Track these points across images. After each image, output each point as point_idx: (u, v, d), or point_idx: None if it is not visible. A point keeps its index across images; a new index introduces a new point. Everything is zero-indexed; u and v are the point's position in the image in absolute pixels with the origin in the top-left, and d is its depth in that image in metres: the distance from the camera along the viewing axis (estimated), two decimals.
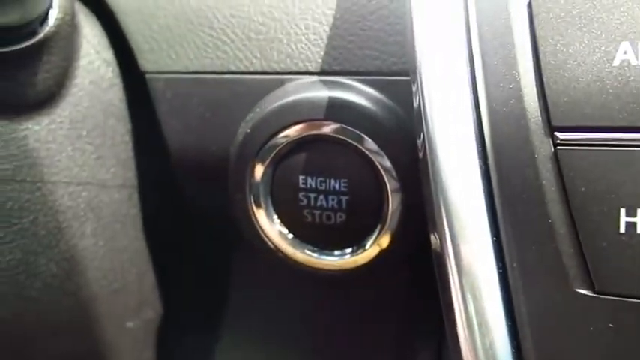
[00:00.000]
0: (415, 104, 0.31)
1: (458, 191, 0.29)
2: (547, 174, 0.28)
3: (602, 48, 0.27)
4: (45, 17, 0.37)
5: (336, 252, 0.42)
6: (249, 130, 0.41)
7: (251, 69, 0.42)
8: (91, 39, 0.43)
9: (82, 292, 0.42)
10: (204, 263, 0.59)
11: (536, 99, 0.28)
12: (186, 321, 0.57)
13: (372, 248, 0.41)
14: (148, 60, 0.44)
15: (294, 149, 0.40)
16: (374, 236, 0.41)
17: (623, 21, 0.27)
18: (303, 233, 0.42)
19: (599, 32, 0.27)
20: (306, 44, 0.41)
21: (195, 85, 0.43)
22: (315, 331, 0.55)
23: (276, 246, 0.43)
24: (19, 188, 0.38)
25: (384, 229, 0.40)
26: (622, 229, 0.27)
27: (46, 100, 0.39)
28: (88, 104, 0.42)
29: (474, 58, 0.29)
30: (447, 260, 0.30)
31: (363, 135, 0.39)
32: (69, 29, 0.39)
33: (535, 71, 0.28)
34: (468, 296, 0.29)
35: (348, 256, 0.42)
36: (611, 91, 0.27)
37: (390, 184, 0.39)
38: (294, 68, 0.41)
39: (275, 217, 0.42)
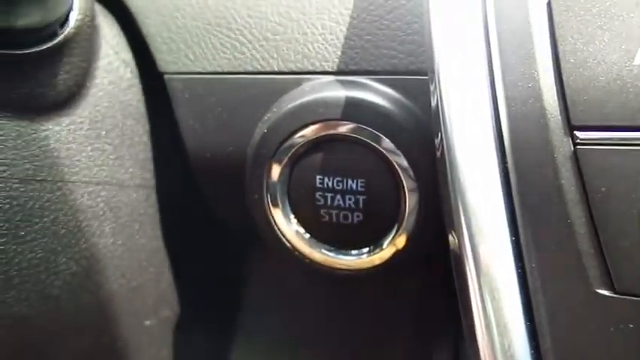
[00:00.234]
0: (433, 103, 0.31)
1: (476, 191, 0.29)
2: (567, 173, 0.27)
3: (623, 46, 0.27)
4: (65, 19, 0.38)
5: (353, 252, 0.42)
6: (266, 130, 0.41)
7: (268, 69, 0.42)
8: (110, 40, 0.43)
9: (101, 291, 0.42)
10: (221, 263, 0.59)
11: (556, 98, 0.28)
12: (202, 320, 0.57)
13: (388, 248, 0.41)
14: (167, 61, 0.44)
15: (311, 149, 0.40)
16: (391, 236, 0.41)
17: None
18: (320, 233, 0.42)
19: (619, 31, 0.27)
20: (322, 44, 0.41)
21: (213, 85, 0.43)
22: (332, 330, 0.55)
23: (293, 245, 0.43)
24: (39, 188, 0.38)
25: (401, 228, 0.40)
26: None
27: (66, 100, 0.39)
28: (107, 105, 0.42)
29: (493, 57, 0.29)
30: (465, 260, 0.30)
31: (380, 134, 0.39)
32: (89, 30, 0.39)
33: (554, 70, 0.28)
34: (487, 296, 0.29)
35: (364, 255, 0.42)
36: (631, 89, 0.26)
37: (407, 183, 0.39)
38: (311, 68, 0.41)
39: (292, 216, 0.42)
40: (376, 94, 0.39)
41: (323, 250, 0.43)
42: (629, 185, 0.26)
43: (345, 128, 0.39)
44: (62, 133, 0.39)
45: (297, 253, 0.43)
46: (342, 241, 0.42)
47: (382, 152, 0.39)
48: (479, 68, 0.29)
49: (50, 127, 0.39)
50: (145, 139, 0.46)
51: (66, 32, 0.38)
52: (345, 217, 0.40)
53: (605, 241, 0.27)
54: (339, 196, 0.40)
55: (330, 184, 0.40)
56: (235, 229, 0.53)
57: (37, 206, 0.38)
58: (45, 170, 0.38)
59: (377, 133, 0.39)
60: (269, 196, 0.42)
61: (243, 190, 0.43)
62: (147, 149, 0.46)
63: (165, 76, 0.44)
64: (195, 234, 0.55)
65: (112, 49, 0.43)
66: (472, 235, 0.29)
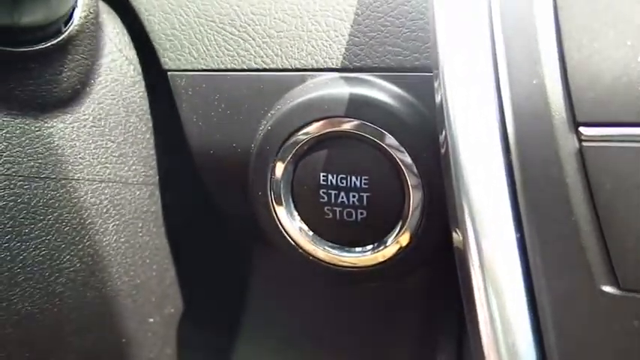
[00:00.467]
0: (437, 100, 0.31)
1: (481, 187, 0.29)
2: (571, 170, 0.27)
3: (628, 43, 0.27)
4: (69, 17, 0.38)
5: (357, 249, 0.42)
6: (270, 127, 0.41)
7: (272, 66, 0.42)
8: (114, 37, 0.43)
9: (105, 288, 0.43)
10: (224, 260, 0.59)
11: (561, 94, 0.28)
12: (206, 317, 0.57)
13: (392, 245, 0.41)
14: (170, 58, 0.44)
15: (314, 146, 0.40)
16: (394, 233, 0.41)
17: None
18: (324, 230, 0.42)
19: (624, 27, 0.27)
20: (327, 41, 0.41)
21: (217, 82, 0.43)
22: (335, 328, 0.55)
23: (296, 243, 0.43)
24: (43, 185, 0.38)
25: (405, 226, 0.40)
26: None
27: (70, 98, 0.40)
28: (111, 102, 0.42)
29: (498, 54, 0.29)
30: (470, 257, 0.30)
31: (384, 131, 0.38)
32: (93, 28, 0.39)
33: (559, 67, 0.28)
34: (491, 293, 0.29)
35: (368, 253, 0.42)
36: (636, 86, 0.26)
37: (411, 180, 0.39)
38: (315, 65, 0.41)
39: (295, 214, 0.42)
40: (380, 91, 0.39)
41: (326, 248, 0.43)
42: (634, 182, 0.26)
43: (349, 125, 0.39)
44: (66, 130, 0.39)
45: (300, 250, 0.43)
46: (345, 239, 0.42)
47: (386, 149, 0.39)
48: (484, 65, 0.29)
49: (54, 124, 0.39)
50: (149, 136, 0.46)
51: (70, 30, 0.38)
52: (349, 215, 0.40)
53: (610, 237, 0.27)
54: (342, 194, 0.40)
55: (333, 182, 0.40)
56: (239, 226, 0.53)
57: (40, 204, 0.38)
58: (49, 168, 0.39)
59: (381, 130, 0.38)
60: (273, 193, 0.42)
61: (247, 187, 0.43)
62: (150, 146, 0.46)
63: (169, 74, 0.44)
64: (198, 231, 0.55)
65: (115, 46, 0.43)
66: (476, 232, 0.29)
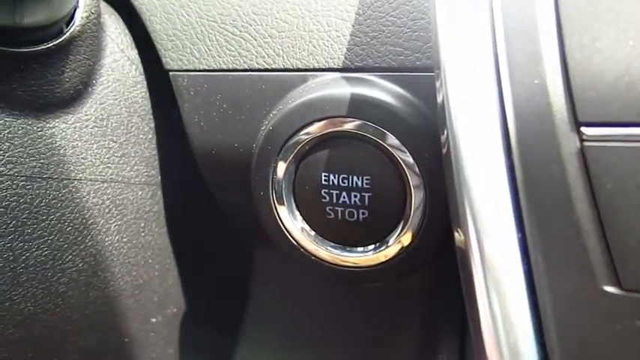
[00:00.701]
0: (439, 100, 0.31)
1: (482, 187, 0.29)
2: (573, 170, 0.27)
3: (629, 42, 0.27)
4: (71, 17, 0.38)
5: (359, 249, 0.42)
6: (271, 127, 0.41)
7: (274, 66, 0.42)
8: (116, 38, 0.43)
9: (107, 288, 0.43)
10: (226, 260, 0.59)
11: (562, 94, 0.28)
12: (208, 317, 0.57)
13: (394, 245, 0.41)
14: (172, 58, 0.44)
15: (316, 146, 0.40)
16: (396, 233, 0.41)
17: None
18: (326, 230, 0.42)
19: (625, 27, 0.27)
20: (328, 41, 0.41)
21: (219, 82, 0.43)
22: (337, 328, 0.55)
23: (298, 243, 0.43)
24: (45, 185, 0.38)
25: (407, 225, 0.40)
26: None
27: (73, 98, 0.40)
28: (113, 102, 0.42)
29: (499, 54, 0.29)
30: (471, 257, 0.29)
31: (386, 131, 0.38)
32: (94, 28, 0.40)
33: (561, 66, 0.28)
34: (493, 293, 0.29)
35: (370, 253, 0.42)
36: (637, 85, 0.26)
37: (412, 179, 0.39)
38: (317, 65, 0.41)
39: (297, 213, 0.43)
40: (382, 90, 0.39)
41: (328, 248, 0.43)
42: (635, 181, 0.26)
43: (350, 125, 0.39)
44: (68, 130, 0.39)
45: (302, 250, 0.43)
46: (347, 239, 0.42)
47: (388, 149, 0.39)
48: (485, 65, 0.29)
49: (56, 124, 0.39)
50: (151, 136, 0.46)
51: (72, 30, 0.38)
52: (351, 215, 0.40)
53: (612, 237, 0.27)
54: (344, 193, 0.40)
55: (335, 182, 0.40)
56: (241, 226, 0.53)
57: (43, 204, 0.38)
58: (51, 168, 0.39)
59: (382, 129, 0.39)
60: (274, 193, 0.42)
61: (249, 187, 0.43)
62: (152, 146, 0.46)
63: (171, 74, 0.44)
64: (200, 231, 0.55)
65: (117, 46, 0.43)
66: (478, 232, 0.29)
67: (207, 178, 0.47)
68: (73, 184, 0.40)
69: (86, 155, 0.41)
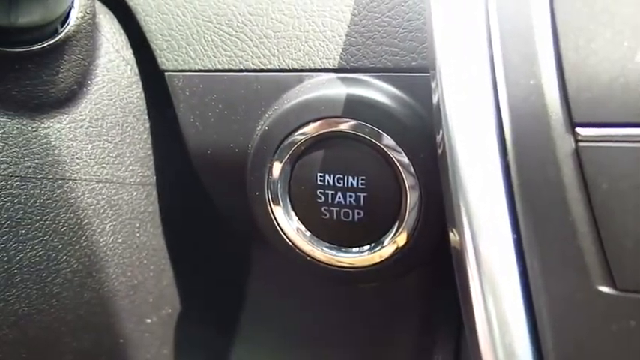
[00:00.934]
0: (434, 100, 0.31)
1: (478, 188, 0.29)
2: (568, 170, 0.27)
3: (625, 44, 0.27)
4: (66, 17, 0.38)
5: (354, 249, 0.42)
6: (267, 128, 0.41)
7: (269, 66, 0.42)
8: (111, 38, 0.43)
9: (102, 288, 0.43)
10: (221, 260, 0.59)
11: (558, 95, 0.28)
12: (203, 317, 0.57)
13: (389, 246, 0.41)
14: (168, 58, 0.44)
15: (311, 146, 0.40)
16: (392, 233, 0.41)
17: None
18: (321, 230, 0.42)
19: (621, 28, 0.27)
20: (324, 41, 0.41)
21: (214, 83, 0.43)
22: (333, 328, 0.55)
23: (293, 243, 0.43)
24: (40, 186, 0.38)
25: (402, 226, 0.40)
26: None
27: (68, 98, 0.39)
28: (108, 102, 0.42)
29: (495, 54, 0.29)
30: (467, 257, 0.30)
31: (381, 132, 0.39)
32: (89, 28, 0.39)
33: (556, 67, 0.28)
34: (488, 294, 0.29)
35: (365, 253, 0.42)
36: (632, 86, 0.26)
37: (408, 180, 0.39)
38: (312, 65, 0.41)
39: (293, 214, 0.42)
40: (377, 91, 0.39)
41: (324, 248, 0.43)
42: (630, 182, 0.26)
43: (346, 125, 0.39)
44: (63, 131, 0.39)
45: (297, 250, 0.43)
46: (342, 239, 0.42)
47: (383, 149, 0.39)
48: (481, 65, 0.29)
49: (51, 124, 0.39)
50: (146, 136, 0.46)
51: (67, 30, 0.38)
52: (346, 215, 0.40)
53: (607, 238, 0.27)
54: (339, 194, 0.40)
55: (330, 182, 0.40)
56: (237, 226, 0.53)
57: (37, 204, 0.38)
58: (46, 168, 0.38)
59: (378, 130, 0.39)
60: (270, 193, 0.42)
61: (245, 187, 0.43)
62: (147, 147, 0.46)
63: (166, 74, 0.44)
64: (196, 232, 0.55)
65: (112, 46, 0.43)
66: (473, 233, 0.29)
67: (202, 178, 0.47)
68: (67, 185, 0.40)
69: (81, 155, 0.40)
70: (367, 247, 0.42)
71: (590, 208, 0.27)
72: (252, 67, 0.42)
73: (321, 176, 0.40)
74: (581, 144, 0.27)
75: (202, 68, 0.43)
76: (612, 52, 0.27)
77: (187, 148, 0.45)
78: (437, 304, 0.51)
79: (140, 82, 0.45)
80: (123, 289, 0.44)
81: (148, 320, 0.48)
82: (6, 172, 0.37)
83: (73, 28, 0.38)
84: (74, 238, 0.40)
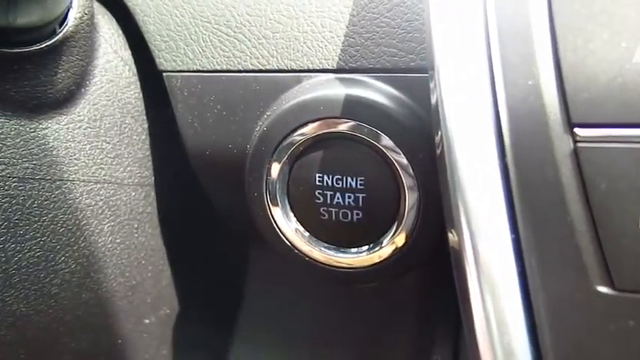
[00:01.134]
0: (433, 101, 0.31)
1: (476, 188, 0.29)
2: (567, 171, 0.27)
3: (622, 44, 0.27)
4: (64, 17, 0.38)
5: (352, 250, 0.42)
6: (265, 128, 0.41)
7: (268, 67, 0.42)
8: (109, 38, 0.43)
9: (101, 289, 0.42)
10: (220, 261, 0.59)
11: (556, 95, 0.28)
12: (202, 318, 0.57)
13: (388, 246, 0.41)
14: (166, 59, 0.44)
15: (310, 147, 0.40)
16: (390, 234, 0.41)
17: None
18: (320, 231, 0.42)
19: (619, 28, 0.27)
20: (322, 42, 0.41)
21: (212, 83, 0.43)
22: (332, 329, 0.55)
23: (292, 244, 0.43)
24: (38, 186, 0.38)
25: (401, 226, 0.40)
26: None
27: (66, 99, 0.39)
28: (106, 103, 0.42)
29: (493, 55, 0.29)
30: (465, 258, 0.30)
31: (380, 132, 0.39)
32: (87, 29, 0.39)
33: (555, 67, 0.28)
34: (487, 294, 0.29)
35: (364, 254, 0.42)
36: (631, 87, 0.26)
37: (406, 180, 0.39)
38: (311, 66, 0.41)
39: (291, 214, 0.42)
40: (376, 91, 0.39)
41: (322, 249, 0.43)
42: (629, 182, 0.26)
43: (344, 126, 0.39)
44: (61, 131, 0.39)
45: (296, 251, 0.43)
46: (341, 239, 0.42)
47: (382, 150, 0.39)
48: (479, 66, 0.29)
49: (49, 125, 0.39)
50: (144, 137, 0.46)
51: (65, 31, 0.38)
52: (345, 215, 0.40)
53: (605, 238, 0.27)
54: (338, 194, 0.40)
55: (329, 182, 0.40)
56: (235, 227, 0.53)
57: (35, 205, 0.38)
58: (44, 169, 0.38)
59: (376, 130, 0.39)
60: (268, 194, 0.42)
61: (243, 188, 0.43)
62: (146, 147, 0.46)
63: (165, 74, 0.44)
64: (194, 232, 0.55)
65: (111, 47, 0.43)
66: (472, 233, 0.29)
67: (201, 178, 0.47)
68: (65, 185, 0.40)
69: (79, 156, 0.40)
70: (366, 247, 0.42)
71: (589, 208, 0.27)
72: (251, 67, 0.42)
73: (319, 177, 0.40)
74: (579, 144, 0.27)
75: (201, 69, 0.43)
76: (610, 52, 0.27)
77: (186, 148, 0.45)
78: (436, 304, 0.51)
79: (138, 83, 0.45)
80: (121, 289, 0.44)
81: (147, 321, 0.48)
82: (4, 173, 0.37)
83: (71, 29, 0.38)
84: (72, 239, 0.40)
